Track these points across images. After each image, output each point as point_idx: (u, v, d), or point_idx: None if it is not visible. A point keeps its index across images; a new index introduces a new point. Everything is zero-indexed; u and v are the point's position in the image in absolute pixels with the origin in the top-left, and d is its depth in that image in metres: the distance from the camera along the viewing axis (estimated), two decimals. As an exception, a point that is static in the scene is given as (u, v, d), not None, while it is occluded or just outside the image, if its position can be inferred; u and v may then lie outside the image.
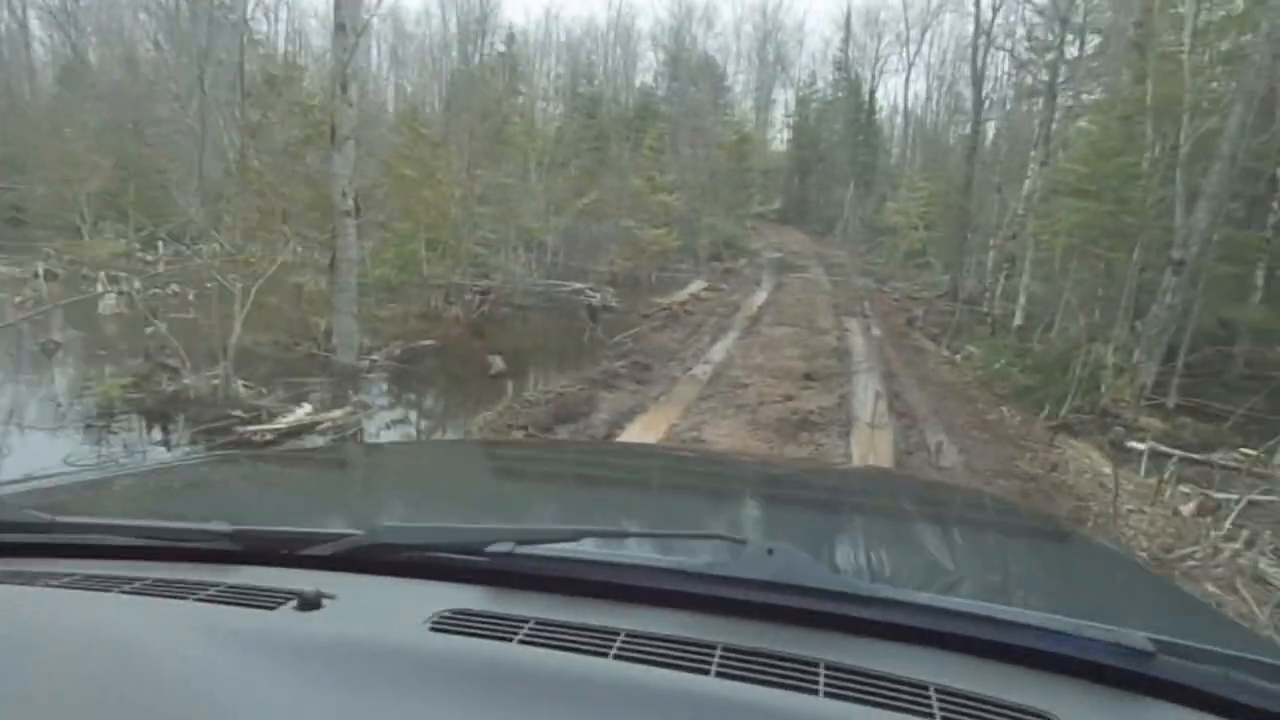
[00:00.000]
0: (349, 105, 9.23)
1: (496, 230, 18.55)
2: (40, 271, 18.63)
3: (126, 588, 0.91)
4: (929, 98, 44.66)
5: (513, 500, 1.71)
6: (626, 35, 47.81)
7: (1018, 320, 17.37)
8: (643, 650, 0.80)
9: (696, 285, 21.86)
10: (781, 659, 0.80)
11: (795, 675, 0.78)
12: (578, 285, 19.32)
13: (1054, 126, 17.94)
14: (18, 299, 13.94)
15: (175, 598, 0.89)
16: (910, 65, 43.71)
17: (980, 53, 22.30)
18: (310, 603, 0.86)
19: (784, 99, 54.45)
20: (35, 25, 35.83)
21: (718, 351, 12.16)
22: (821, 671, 0.78)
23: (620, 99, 42.10)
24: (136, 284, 16.51)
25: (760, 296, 20.43)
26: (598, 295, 18.10)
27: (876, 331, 16.10)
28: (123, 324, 12.72)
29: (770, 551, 0.91)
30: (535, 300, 17.67)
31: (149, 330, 11.68)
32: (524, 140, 23.22)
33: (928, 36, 43.36)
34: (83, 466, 5.91)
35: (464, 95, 27.52)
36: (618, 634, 0.83)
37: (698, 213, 29.34)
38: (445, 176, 16.18)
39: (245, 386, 9.14)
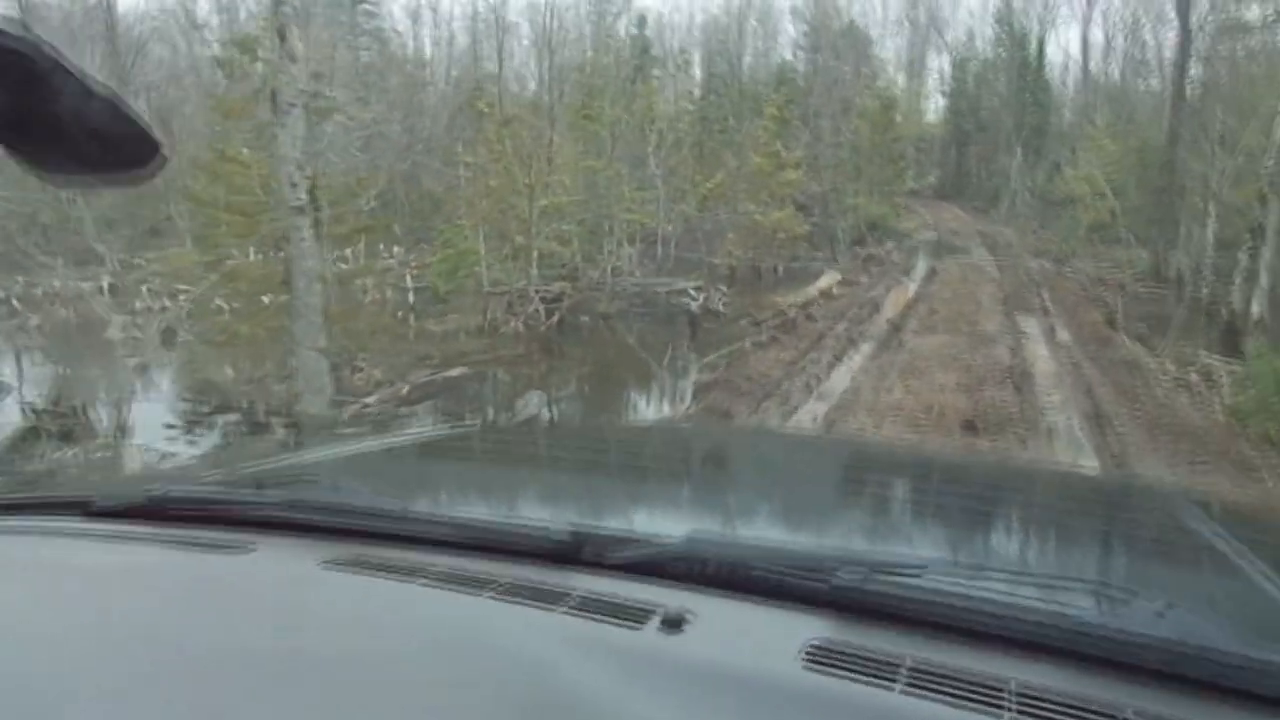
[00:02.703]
0: (291, 60, 6.59)
1: (585, 222, 15.74)
2: (105, 286, 17.54)
3: (493, 591, 0.89)
4: (1111, 44, 38.27)
5: (788, 500, 1.54)
6: (766, 11, 44.26)
7: (1256, 310, 13.33)
8: (1039, 708, 0.72)
9: (828, 278, 18.29)
10: None
11: None
12: (683, 284, 16.23)
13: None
14: (34, 322, 12.36)
15: (544, 607, 0.86)
16: (1089, 5, 37.49)
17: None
18: (674, 622, 0.82)
19: (939, 65, 49.66)
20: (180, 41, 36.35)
21: (839, 379, 8.80)
22: None
23: (757, 78, 38.68)
24: (181, 299, 15.01)
25: (907, 291, 16.67)
26: (701, 297, 14.93)
27: (1064, 335, 12.16)
28: (118, 355, 10.75)
29: (1161, 615, 0.82)
30: (625, 305, 14.71)
31: (133, 363, 9.59)
32: (628, 120, 20.43)
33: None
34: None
35: (580, 78, 25.07)
36: (1004, 687, 0.74)
37: (838, 192, 25.82)
38: (515, 160, 13.53)
39: (164, 457, 6.73)
